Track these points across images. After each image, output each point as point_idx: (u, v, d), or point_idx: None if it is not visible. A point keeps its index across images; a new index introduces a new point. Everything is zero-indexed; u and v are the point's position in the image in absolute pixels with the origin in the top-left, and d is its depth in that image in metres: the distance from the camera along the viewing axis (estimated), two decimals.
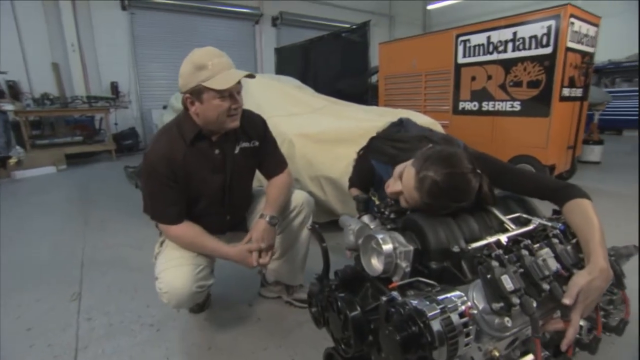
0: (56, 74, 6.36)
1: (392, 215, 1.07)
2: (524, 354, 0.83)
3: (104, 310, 1.69)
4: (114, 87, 6.78)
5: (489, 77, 3.60)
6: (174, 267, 1.26)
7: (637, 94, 7.01)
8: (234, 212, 1.48)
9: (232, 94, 1.21)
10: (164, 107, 5.44)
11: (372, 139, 1.38)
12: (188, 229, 1.29)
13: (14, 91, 5.81)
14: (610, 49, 6.76)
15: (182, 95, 1.24)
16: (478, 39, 3.63)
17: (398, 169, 1.06)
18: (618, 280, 0.92)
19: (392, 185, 1.04)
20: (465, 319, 0.69)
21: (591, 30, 3.44)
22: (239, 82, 1.21)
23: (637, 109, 7.07)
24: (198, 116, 1.23)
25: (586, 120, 3.92)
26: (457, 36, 3.79)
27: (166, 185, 1.23)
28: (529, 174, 1.10)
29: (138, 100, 7.26)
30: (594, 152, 4.82)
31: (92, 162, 6.03)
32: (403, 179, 1.00)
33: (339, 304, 0.91)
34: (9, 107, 5.16)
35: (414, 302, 0.70)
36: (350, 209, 2.37)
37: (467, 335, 0.69)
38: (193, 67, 1.16)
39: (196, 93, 1.19)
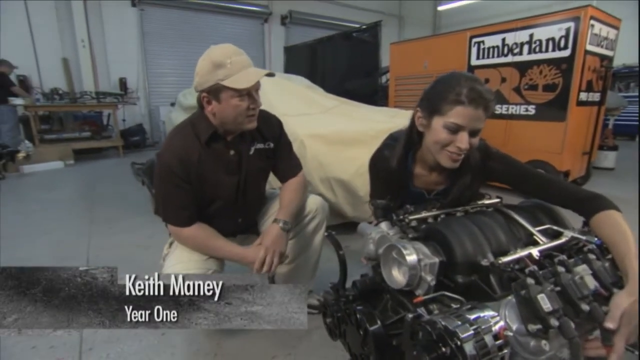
0: (66, 69, 6.39)
1: (413, 223, 1.01)
2: None
3: None
4: (123, 83, 6.78)
5: (503, 80, 3.52)
6: (183, 271, 1.21)
7: None
8: (246, 215, 1.43)
9: (250, 93, 1.16)
10: (172, 104, 5.43)
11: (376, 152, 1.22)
12: (200, 231, 1.24)
13: (24, 86, 5.85)
14: (624, 52, 6.62)
15: (197, 93, 1.19)
16: (492, 40, 3.55)
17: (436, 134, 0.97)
18: None
19: (461, 141, 0.94)
20: (500, 342, 0.64)
21: (611, 32, 3.35)
22: (257, 81, 1.16)
23: None
24: (214, 116, 1.18)
25: (601, 126, 3.83)
26: (471, 37, 3.71)
27: (180, 187, 1.18)
28: (554, 180, 1.03)
29: (146, 97, 7.27)
30: (608, 158, 4.71)
31: (100, 158, 6.03)
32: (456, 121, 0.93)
33: (358, 316, 0.86)
34: (18, 101, 5.18)
35: (444, 322, 0.65)
36: (360, 212, 2.34)
37: (502, 359, 0.63)
38: (211, 65, 1.11)
39: (214, 92, 1.14)
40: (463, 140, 0.94)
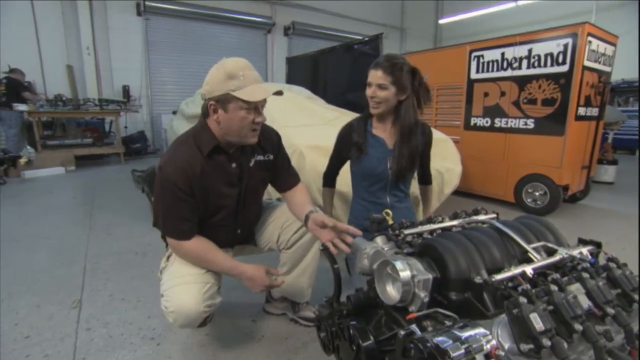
0: (70, 76, 6.46)
1: (408, 238, 1.02)
2: None
3: (104, 320, 1.65)
4: (126, 90, 6.85)
5: (503, 94, 3.55)
6: (181, 285, 1.21)
7: None
8: (245, 226, 1.44)
9: (257, 107, 1.18)
10: (174, 113, 5.47)
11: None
12: (199, 244, 1.24)
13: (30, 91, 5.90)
14: (623, 67, 6.68)
15: (203, 102, 1.21)
16: (492, 54, 3.59)
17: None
18: None
19: (369, 92, 1.47)
20: None
21: (608, 49, 3.39)
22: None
23: None
24: (219, 124, 1.20)
25: (600, 140, 3.84)
26: (471, 51, 3.75)
27: (181, 200, 1.18)
28: (428, 164, 1.72)
29: (149, 105, 7.33)
30: (607, 172, 4.73)
31: (101, 165, 6.06)
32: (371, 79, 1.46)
33: (351, 332, 0.86)
34: (23, 107, 5.23)
35: (436, 340, 0.65)
36: None
37: None
38: (224, 75, 1.13)
39: (222, 101, 1.15)
40: (370, 91, 1.48)
